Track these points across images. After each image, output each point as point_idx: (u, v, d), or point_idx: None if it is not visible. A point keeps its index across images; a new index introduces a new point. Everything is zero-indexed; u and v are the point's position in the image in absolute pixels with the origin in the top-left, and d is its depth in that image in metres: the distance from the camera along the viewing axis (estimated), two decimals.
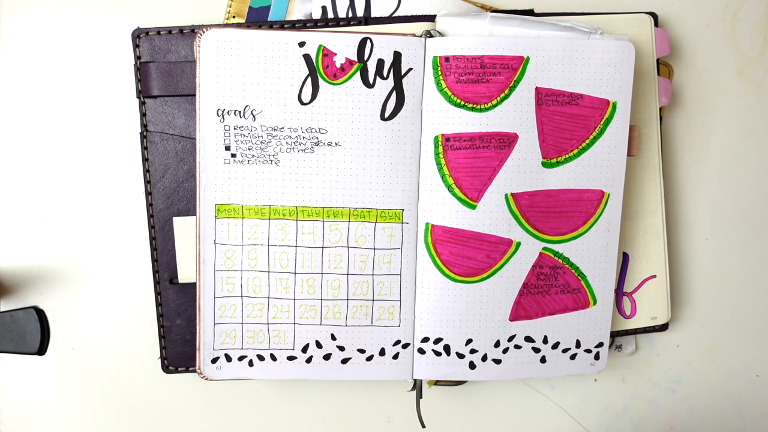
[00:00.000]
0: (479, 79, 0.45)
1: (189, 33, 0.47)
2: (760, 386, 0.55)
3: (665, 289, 0.50)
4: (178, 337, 0.49)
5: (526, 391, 0.53)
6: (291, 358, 0.47)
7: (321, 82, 0.45)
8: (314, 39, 0.45)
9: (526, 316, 0.48)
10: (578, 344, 0.49)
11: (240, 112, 0.45)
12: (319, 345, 0.47)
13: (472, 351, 0.48)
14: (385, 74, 0.45)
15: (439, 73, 0.45)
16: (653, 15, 0.49)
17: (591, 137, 0.46)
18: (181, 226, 0.48)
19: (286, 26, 0.47)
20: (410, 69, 0.45)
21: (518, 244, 0.47)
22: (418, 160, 0.46)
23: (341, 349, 0.47)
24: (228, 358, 0.47)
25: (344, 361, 0.47)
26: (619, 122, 0.46)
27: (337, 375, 0.47)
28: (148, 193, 0.48)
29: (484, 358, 0.48)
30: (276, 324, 0.47)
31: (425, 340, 0.47)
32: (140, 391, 0.51)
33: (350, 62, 0.45)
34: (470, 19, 0.46)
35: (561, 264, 0.48)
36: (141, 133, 0.47)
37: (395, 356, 0.48)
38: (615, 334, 0.51)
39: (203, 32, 0.44)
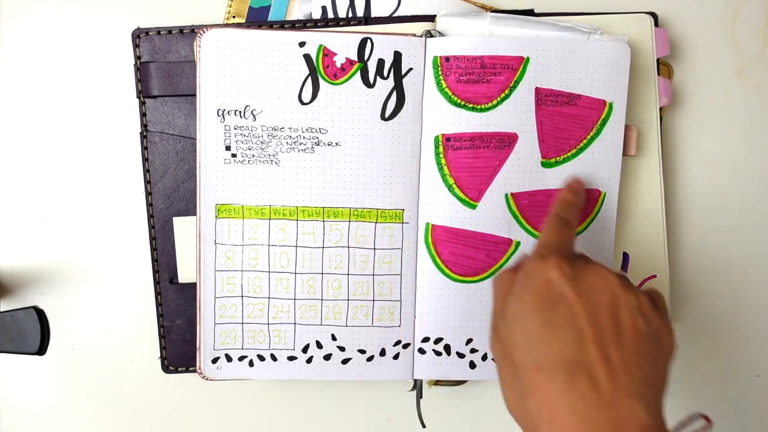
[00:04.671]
0: (480, 79, 0.45)
1: (189, 33, 0.47)
2: (760, 386, 0.55)
3: (665, 289, 0.50)
4: (178, 337, 0.48)
5: None
6: (291, 358, 0.47)
7: (321, 81, 0.45)
8: (314, 39, 0.45)
9: None
10: None
11: (240, 112, 0.45)
12: (319, 345, 0.47)
13: (473, 350, 0.48)
14: (385, 74, 0.45)
15: (440, 73, 0.45)
16: (653, 15, 0.49)
17: (588, 137, 0.46)
18: (181, 226, 0.48)
19: (286, 26, 0.47)
20: (410, 69, 0.45)
21: (518, 244, 0.47)
22: (419, 160, 0.46)
23: (342, 349, 0.47)
24: (228, 358, 0.47)
25: (345, 361, 0.47)
26: (616, 122, 0.46)
27: (337, 375, 0.47)
28: (148, 193, 0.48)
29: (485, 357, 0.48)
30: (276, 324, 0.47)
31: (426, 340, 0.47)
32: (140, 391, 0.51)
33: (350, 62, 0.45)
34: (470, 19, 0.46)
35: None
36: (141, 133, 0.47)
37: (396, 356, 0.48)
38: None
39: (203, 32, 0.44)
